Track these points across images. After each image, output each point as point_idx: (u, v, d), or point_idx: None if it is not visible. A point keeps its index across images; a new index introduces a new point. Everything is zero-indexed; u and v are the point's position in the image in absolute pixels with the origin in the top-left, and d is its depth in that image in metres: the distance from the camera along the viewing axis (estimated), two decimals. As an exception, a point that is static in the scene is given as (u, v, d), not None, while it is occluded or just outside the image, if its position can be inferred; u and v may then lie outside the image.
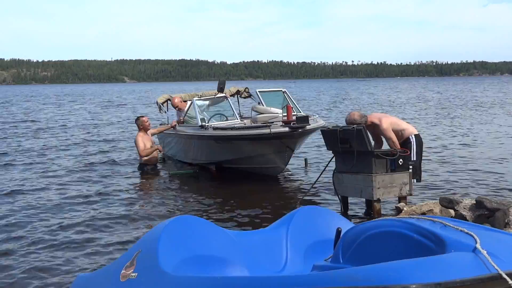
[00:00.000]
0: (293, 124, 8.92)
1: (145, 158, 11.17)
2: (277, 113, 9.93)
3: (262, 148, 9.40)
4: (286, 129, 8.90)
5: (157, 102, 12.93)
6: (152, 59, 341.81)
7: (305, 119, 9.03)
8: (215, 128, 10.01)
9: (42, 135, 18.54)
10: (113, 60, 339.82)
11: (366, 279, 2.27)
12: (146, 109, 31.98)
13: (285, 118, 9.22)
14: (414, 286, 2.18)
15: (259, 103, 11.18)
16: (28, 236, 6.60)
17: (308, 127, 9.06)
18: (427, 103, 34.17)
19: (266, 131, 8.95)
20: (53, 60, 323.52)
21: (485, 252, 2.39)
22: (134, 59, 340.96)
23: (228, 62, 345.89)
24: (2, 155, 13.37)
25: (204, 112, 10.97)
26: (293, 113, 9.52)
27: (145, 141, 11.18)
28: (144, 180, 10.41)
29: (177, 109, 12.02)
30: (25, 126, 21.98)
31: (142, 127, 11.31)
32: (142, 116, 11.71)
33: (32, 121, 24.72)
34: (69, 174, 10.89)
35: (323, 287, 2.37)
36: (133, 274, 3.25)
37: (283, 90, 11.76)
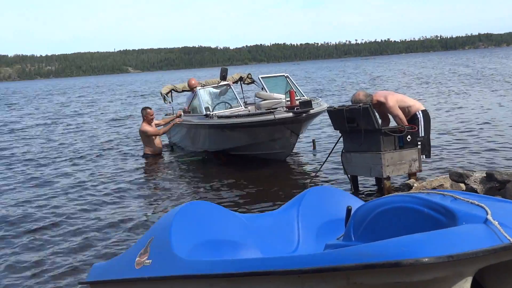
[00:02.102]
0: (296, 109, 8.98)
1: (150, 149, 11.44)
2: (280, 99, 9.97)
3: (267, 135, 9.47)
4: (290, 114, 8.97)
5: (161, 93, 12.95)
6: (155, 48, 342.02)
7: (308, 104, 9.09)
8: (219, 117, 10.09)
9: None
10: (116, 51, 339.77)
11: (378, 254, 2.27)
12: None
13: (289, 103, 9.28)
14: (426, 259, 2.18)
15: (262, 89, 11.20)
16: (38, 225, 6.72)
17: (311, 111, 9.13)
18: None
19: (270, 117, 9.02)
20: (56, 54, 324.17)
21: (497, 223, 2.38)
22: (137, 49, 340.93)
23: (231, 47, 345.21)
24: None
25: (208, 101, 11.01)
26: (296, 98, 9.61)
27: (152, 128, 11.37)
28: (154, 168, 10.47)
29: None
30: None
31: (146, 119, 11.44)
32: (149, 108, 11.79)
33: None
34: (83, 159, 11.15)
35: (336, 265, 2.39)
36: (148, 261, 3.29)
37: (285, 75, 11.80)
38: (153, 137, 11.47)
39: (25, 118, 24.38)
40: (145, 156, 11.46)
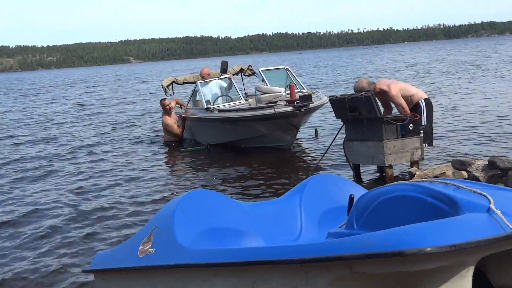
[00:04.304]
0: (296, 103, 9.06)
1: (170, 137, 11.75)
2: (280, 92, 10.01)
3: (268, 128, 9.56)
4: (290, 108, 9.06)
5: (162, 85, 12.97)
6: (156, 38, 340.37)
7: (308, 98, 9.19)
8: (220, 111, 10.18)
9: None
10: (117, 41, 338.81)
11: (381, 244, 2.28)
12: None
13: (289, 97, 9.31)
14: (429, 249, 2.18)
15: (263, 80, 11.23)
16: (42, 213, 6.77)
17: (311, 105, 9.21)
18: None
19: (271, 111, 9.11)
20: (58, 44, 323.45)
21: (499, 212, 2.39)
22: (138, 39, 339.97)
23: (233, 37, 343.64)
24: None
25: (209, 95, 11.04)
26: (296, 91, 9.71)
27: (173, 123, 11.70)
28: (156, 158, 10.49)
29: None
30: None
31: (164, 110, 11.73)
32: (164, 99, 11.90)
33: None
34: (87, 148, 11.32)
35: (338, 254, 2.39)
36: (151, 249, 3.30)
37: (285, 67, 11.86)
38: (172, 127, 11.72)
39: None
40: (166, 144, 11.78)
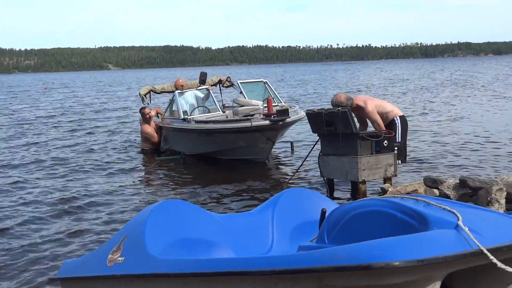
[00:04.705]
0: (273, 117, 9.11)
1: (147, 145, 11.75)
2: (257, 105, 10.05)
3: (244, 141, 9.59)
4: (267, 122, 9.11)
5: (140, 94, 12.93)
6: (136, 45, 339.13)
7: (285, 112, 9.25)
8: (197, 121, 10.18)
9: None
10: (96, 47, 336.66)
11: (350, 257, 2.29)
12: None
13: (266, 110, 9.36)
14: (397, 263, 2.20)
15: (240, 93, 11.28)
16: (7, 221, 6.63)
17: (288, 120, 9.25)
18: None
19: (247, 124, 9.14)
20: (36, 48, 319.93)
21: (467, 228, 2.42)
22: (118, 46, 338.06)
23: (213, 48, 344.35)
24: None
25: (186, 105, 11.03)
26: (273, 104, 9.78)
27: (153, 131, 11.70)
28: (131, 166, 10.40)
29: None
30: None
31: (144, 118, 11.71)
32: (144, 108, 11.85)
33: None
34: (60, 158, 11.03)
35: (308, 266, 2.40)
36: (120, 258, 3.26)
37: (264, 80, 11.94)
38: (151, 135, 11.69)
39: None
40: (143, 152, 11.77)
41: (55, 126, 17.38)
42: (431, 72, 54.53)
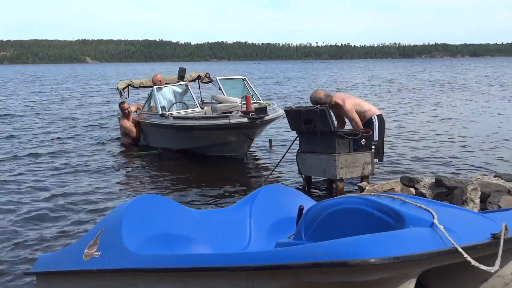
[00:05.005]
0: (252, 114, 9.12)
1: (126, 140, 11.72)
2: (236, 102, 10.06)
3: (222, 138, 9.58)
4: (245, 119, 9.12)
5: (118, 88, 12.82)
6: (114, 39, 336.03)
7: (263, 110, 9.26)
8: (175, 117, 10.15)
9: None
10: (74, 40, 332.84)
11: (327, 253, 2.31)
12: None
13: (244, 108, 9.36)
14: (373, 260, 2.23)
15: (219, 89, 11.26)
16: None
17: (266, 117, 9.27)
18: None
19: (226, 121, 9.14)
20: (12, 39, 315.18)
21: (442, 227, 2.45)
22: (96, 39, 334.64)
23: (192, 43, 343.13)
24: None
25: (165, 101, 10.98)
26: (252, 102, 9.79)
27: (132, 126, 11.64)
28: (108, 161, 10.31)
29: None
30: None
31: (123, 113, 11.65)
32: (122, 103, 11.76)
33: None
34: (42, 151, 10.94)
35: (284, 263, 2.41)
36: (97, 253, 3.24)
37: (243, 78, 11.93)
38: (131, 130, 11.65)
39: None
40: (122, 146, 11.73)
41: (31, 121, 17.14)
42: (412, 73, 55.02)
